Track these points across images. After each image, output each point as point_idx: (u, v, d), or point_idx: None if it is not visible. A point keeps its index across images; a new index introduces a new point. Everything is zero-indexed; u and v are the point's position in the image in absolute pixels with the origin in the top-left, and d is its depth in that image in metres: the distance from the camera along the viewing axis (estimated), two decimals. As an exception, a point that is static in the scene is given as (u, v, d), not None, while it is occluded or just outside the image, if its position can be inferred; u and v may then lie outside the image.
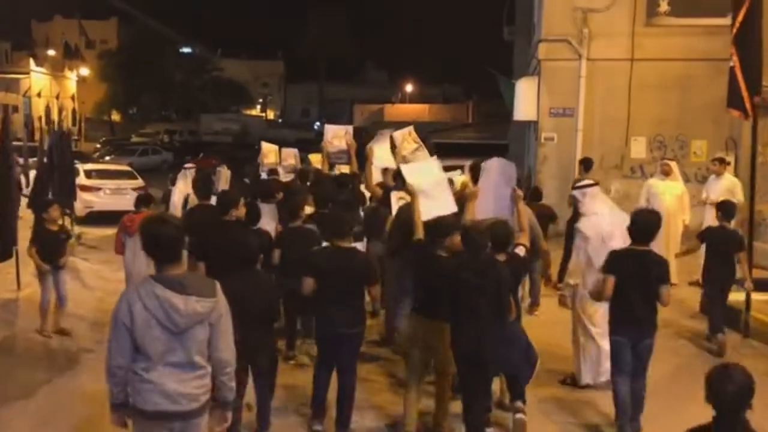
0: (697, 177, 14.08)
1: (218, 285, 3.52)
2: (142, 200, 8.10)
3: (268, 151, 12.28)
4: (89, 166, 18.11)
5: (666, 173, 10.86)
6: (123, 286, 7.49)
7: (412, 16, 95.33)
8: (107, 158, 32.59)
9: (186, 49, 67.85)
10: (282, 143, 30.89)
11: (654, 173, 11.93)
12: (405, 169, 6.22)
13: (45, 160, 12.44)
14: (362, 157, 8.32)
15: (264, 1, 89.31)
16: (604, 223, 5.95)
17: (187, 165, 10.52)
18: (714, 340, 7.62)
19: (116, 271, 10.97)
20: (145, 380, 3.38)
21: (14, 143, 13.93)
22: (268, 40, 76.62)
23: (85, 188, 16.29)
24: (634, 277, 5.14)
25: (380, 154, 8.01)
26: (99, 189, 16.47)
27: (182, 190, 9.00)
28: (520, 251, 5.28)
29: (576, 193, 6.41)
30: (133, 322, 3.31)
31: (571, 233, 7.91)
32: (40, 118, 54.07)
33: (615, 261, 5.21)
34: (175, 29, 62.62)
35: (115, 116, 62.63)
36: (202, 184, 7.48)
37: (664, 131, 14.84)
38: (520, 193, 5.89)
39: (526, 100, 15.74)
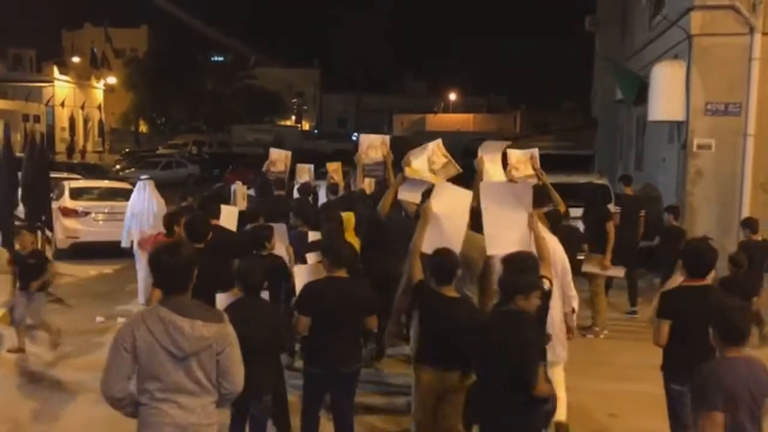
0: None
1: (225, 314, 3.47)
2: (171, 220, 6.75)
3: (277, 158, 10.60)
4: (77, 184, 14.17)
5: None
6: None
7: (453, 23, 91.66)
8: (127, 171, 29.80)
9: (218, 58, 65.20)
10: (318, 155, 27.57)
11: None
12: (437, 187, 5.61)
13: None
14: (399, 169, 7.47)
15: (299, 9, 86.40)
16: (560, 251, 5.45)
17: (143, 176, 9.74)
18: None
19: (74, 358, 7.07)
20: (152, 411, 3.26)
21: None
22: (304, 48, 73.86)
23: (69, 212, 12.53)
24: (696, 317, 4.34)
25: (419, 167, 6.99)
26: (87, 213, 12.66)
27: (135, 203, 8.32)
28: (544, 284, 4.55)
29: None
30: (136, 347, 3.22)
31: None
32: (63, 129, 51.77)
33: (671, 302, 4.62)
34: (206, 36, 59.82)
35: (143, 127, 60.10)
36: (209, 203, 7.15)
37: None
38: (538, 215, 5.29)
39: (667, 92, 11.42)
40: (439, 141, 7.06)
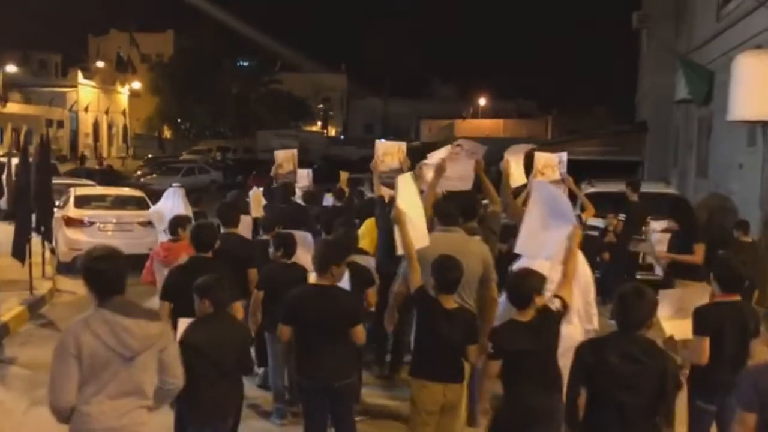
0: None
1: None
2: (176, 223, 6.77)
3: (283, 159, 10.28)
4: (83, 191, 12.97)
5: None
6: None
7: (482, 27, 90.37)
8: (149, 178, 29.41)
9: (244, 62, 64.54)
10: (344, 161, 26.60)
11: None
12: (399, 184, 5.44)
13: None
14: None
15: (327, 14, 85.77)
16: (585, 265, 5.16)
17: (174, 184, 10.00)
18: None
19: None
20: (85, 415, 3.26)
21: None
22: (331, 53, 73.09)
23: (73, 222, 11.30)
24: (729, 334, 4.46)
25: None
26: (92, 223, 11.42)
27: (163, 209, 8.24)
28: (554, 304, 4.25)
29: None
30: (81, 353, 3.20)
31: None
32: (86, 134, 51.26)
33: (707, 318, 4.48)
34: (232, 41, 59.14)
35: (168, 133, 59.59)
36: (226, 210, 6.83)
37: None
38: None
39: (751, 88, 9.89)
40: (450, 146, 6.90)
